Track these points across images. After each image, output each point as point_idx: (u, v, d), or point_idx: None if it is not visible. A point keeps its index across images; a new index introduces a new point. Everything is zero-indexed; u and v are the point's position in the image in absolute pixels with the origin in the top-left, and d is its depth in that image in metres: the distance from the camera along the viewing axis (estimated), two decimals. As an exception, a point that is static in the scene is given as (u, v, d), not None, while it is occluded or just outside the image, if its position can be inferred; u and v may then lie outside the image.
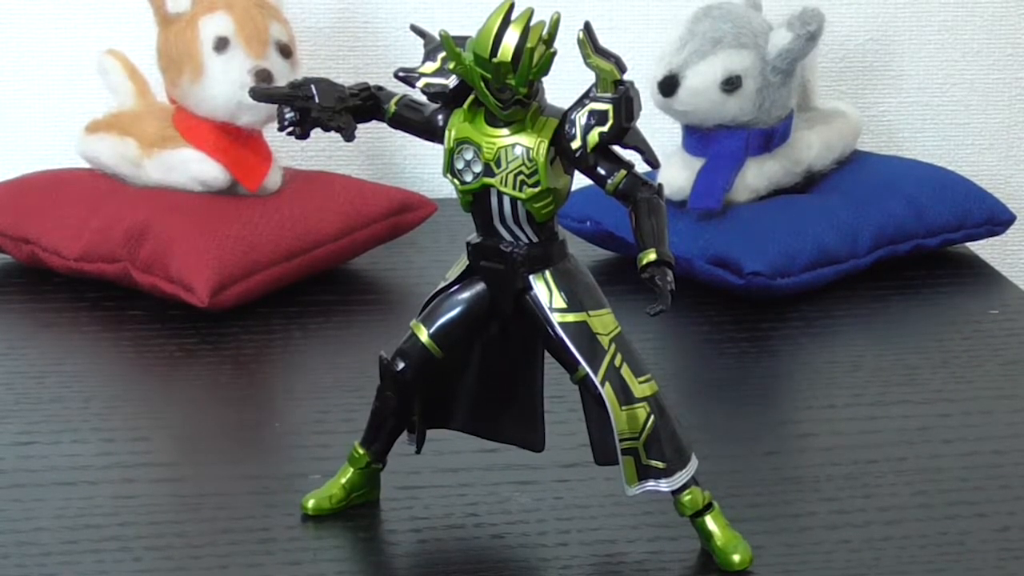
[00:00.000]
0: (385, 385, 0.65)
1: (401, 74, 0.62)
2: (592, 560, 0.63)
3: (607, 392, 0.61)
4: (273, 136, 0.96)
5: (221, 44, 0.96)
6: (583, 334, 0.61)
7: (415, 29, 0.64)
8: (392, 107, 0.63)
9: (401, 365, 0.64)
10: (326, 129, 0.62)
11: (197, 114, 0.97)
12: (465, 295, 0.63)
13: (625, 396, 0.61)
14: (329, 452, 0.71)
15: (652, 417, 0.61)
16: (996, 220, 1.04)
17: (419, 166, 1.19)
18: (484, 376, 0.65)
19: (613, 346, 0.61)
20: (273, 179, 0.99)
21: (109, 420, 0.77)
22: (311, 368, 0.85)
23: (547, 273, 0.62)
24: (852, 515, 0.67)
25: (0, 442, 0.74)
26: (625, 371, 0.61)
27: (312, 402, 0.79)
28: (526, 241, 0.61)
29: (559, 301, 0.61)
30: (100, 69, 1.03)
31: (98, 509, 0.67)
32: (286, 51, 0.98)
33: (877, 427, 0.77)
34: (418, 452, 0.66)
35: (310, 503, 0.66)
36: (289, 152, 1.07)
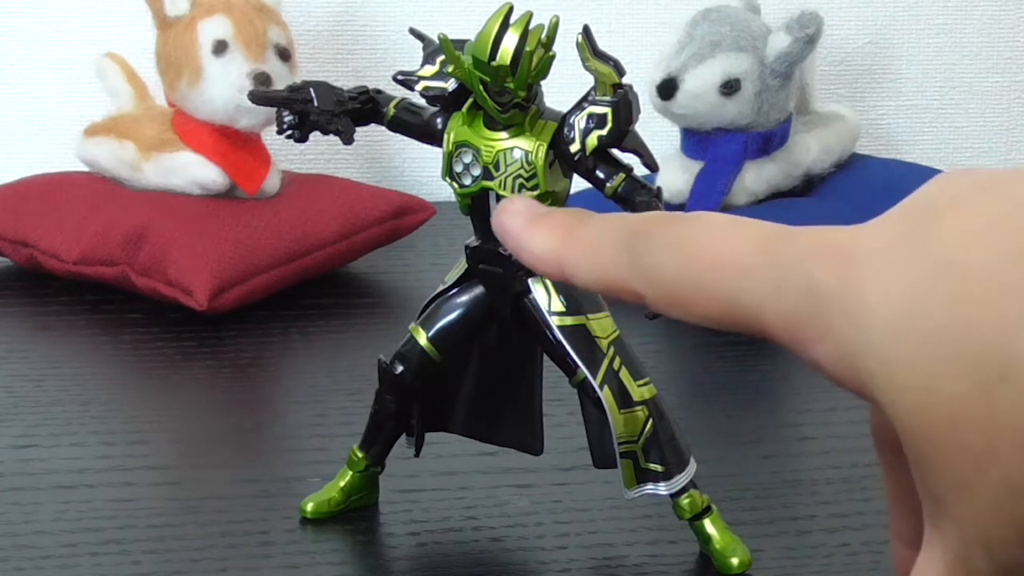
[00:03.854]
0: (384, 388, 0.65)
1: (400, 77, 0.62)
2: (591, 563, 0.63)
3: (606, 395, 0.61)
4: (272, 139, 0.96)
5: (220, 47, 0.96)
6: (582, 337, 0.61)
7: (414, 32, 0.64)
8: (391, 110, 0.62)
9: (400, 368, 0.64)
10: (325, 132, 0.63)
11: (196, 117, 0.97)
12: (464, 299, 0.63)
13: (624, 399, 0.61)
14: (328, 455, 0.71)
15: (651, 420, 0.61)
16: (995, 223, 1.04)
17: (418, 169, 1.19)
18: (483, 379, 0.65)
19: (612, 349, 0.61)
20: (272, 182, 0.99)
21: (108, 423, 0.77)
22: (310, 371, 0.85)
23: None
24: (851, 518, 0.67)
25: (-1, 445, 0.74)
26: (624, 374, 0.61)
27: (310, 405, 0.79)
28: None
29: (558, 304, 0.61)
30: (99, 72, 1.03)
31: (97, 512, 0.67)
32: (284, 54, 0.98)
33: (876, 430, 0.77)
34: (417, 455, 0.66)
35: (309, 506, 0.66)
36: (288, 155, 1.07)
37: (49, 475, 0.71)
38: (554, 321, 0.61)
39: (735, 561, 0.62)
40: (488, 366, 0.65)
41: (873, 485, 0.71)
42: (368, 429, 0.66)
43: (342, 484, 0.67)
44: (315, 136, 0.63)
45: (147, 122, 0.99)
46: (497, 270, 0.62)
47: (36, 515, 0.67)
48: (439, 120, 0.61)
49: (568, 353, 0.61)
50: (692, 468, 0.63)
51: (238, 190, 0.98)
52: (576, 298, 0.61)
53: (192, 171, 0.97)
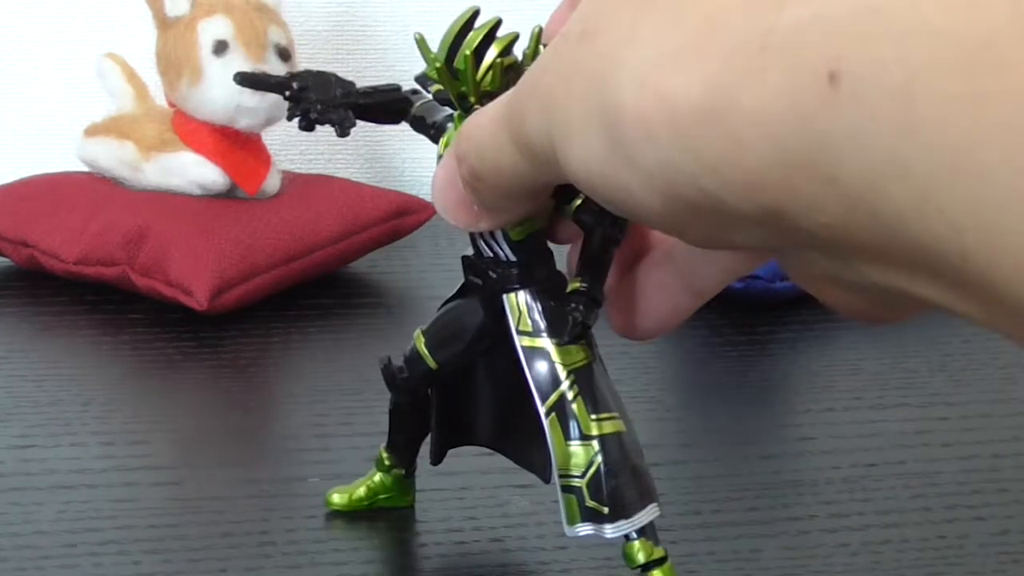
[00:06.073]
0: (394, 392, 0.64)
1: (417, 76, 0.62)
2: (591, 564, 0.63)
3: (551, 423, 0.56)
4: (272, 139, 0.96)
5: (220, 47, 0.96)
6: (540, 361, 0.57)
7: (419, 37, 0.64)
8: (415, 110, 0.61)
9: (405, 374, 0.63)
10: (320, 122, 0.61)
11: (196, 117, 0.97)
12: (460, 308, 0.61)
13: (570, 431, 0.56)
14: (328, 455, 0.71)
15: (601, 457, 0.56)
16: (994, 224, 1.05)
17: (418, 170, 1.19)
18: (495, 394, 0.63)
19: (571, 378, 0.57)
20: (272, 182, 0.99)
21: (108, 423, 0.77)
22: (310, 371, 0.85)
23: (520, 294, 0.58)
24: (850, 518, 0.67)
25: (-1, 445, 0.74)
26: (578, 405, 0.56)
27: (311, 405, 0.79)
28: (504, 259, 0.58)
29: (525, 324, 0.58)
30: (99, 72, 1.03)
31: (97, 512, 0.67)
32: (285, 54, 0.98)
33: (876, 430, 0.77)
34: (433, 464, 0.64)
35: (334, 497, 0.66)
36: (288, 155, 1.07)
37: (49, 475, 0.71)
38: (519, 341, 0.57)
39: None
40: (494, 380, 0.63)
41: (873, 485, 0.71)
42: (389, 429, 0.65)
43: (369, 482, 0.66)
44: (315, 136, 0.63)
45: (147, 122, 1.00)
46: (479, 282, 0.59)
47: (36, 515, 0.67)
48: (449, 124, 0.61)
49: (525, 374, 0.57)
50: (645, 515, 0.56)
51: (238, 190, 0.98)
52: (542, 321, 0.58)
53: (192, 171, 0.97)
